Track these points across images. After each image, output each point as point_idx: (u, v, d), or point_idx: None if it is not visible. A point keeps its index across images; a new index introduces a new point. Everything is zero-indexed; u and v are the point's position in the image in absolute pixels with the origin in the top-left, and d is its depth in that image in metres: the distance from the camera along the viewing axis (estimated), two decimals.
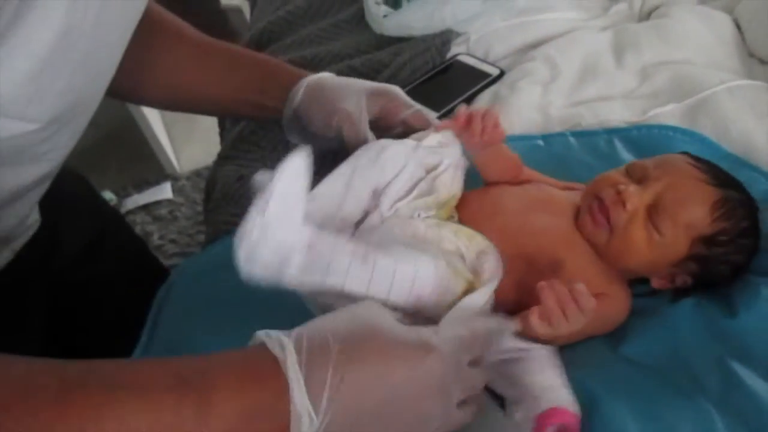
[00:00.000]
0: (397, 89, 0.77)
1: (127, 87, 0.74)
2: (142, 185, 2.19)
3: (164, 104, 0.82)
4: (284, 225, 0.51)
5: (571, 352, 0.69)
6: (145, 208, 2.12)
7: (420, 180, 0.69)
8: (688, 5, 1.08)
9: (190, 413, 0.42)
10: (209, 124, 2.35)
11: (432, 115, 1.01)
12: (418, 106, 0.75)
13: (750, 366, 0.63)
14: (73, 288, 0.86)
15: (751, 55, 1.00)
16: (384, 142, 0.69)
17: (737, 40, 1.01)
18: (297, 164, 0.51)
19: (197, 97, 0.81)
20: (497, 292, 0.64)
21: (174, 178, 2.22)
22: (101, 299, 0.90)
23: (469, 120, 0.72)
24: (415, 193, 0.69)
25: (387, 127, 0.74)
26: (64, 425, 0.39)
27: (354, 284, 0.55)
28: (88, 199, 0.95)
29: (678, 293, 0.72)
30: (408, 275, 0.57)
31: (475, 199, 0.75)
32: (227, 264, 0.61)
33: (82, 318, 0.88)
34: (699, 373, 0.64)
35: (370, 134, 0.75)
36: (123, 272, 0.93)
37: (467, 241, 0.66)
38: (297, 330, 0.47)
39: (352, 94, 0.73)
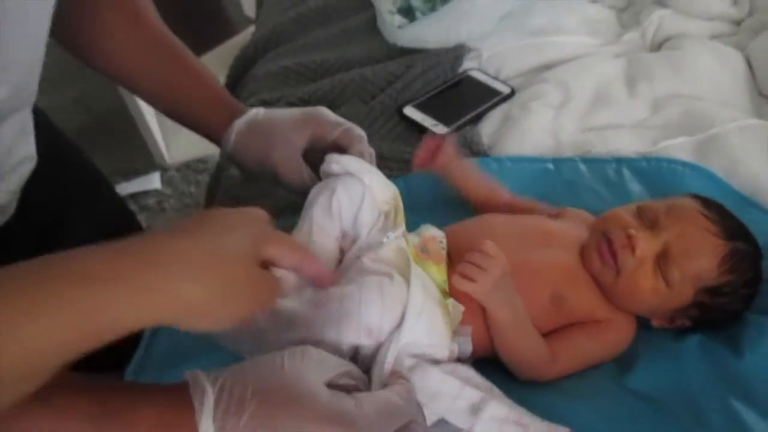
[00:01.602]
0: (322, 110, 0.74)
1: (75, 46, 0.72)
2: (130, 174, 2.15)
3: (111, 77, 0.76)
4: None
5: (575, 382, 0.69)
6: (133, 197, 2.09)
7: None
8: (700, 39, 1.10)
9: None
10: None
11: (442, 130, 1.01)
12: (347, 123, 0.73)
13: (753, 407, 0.64)
14: None
15: (761, 94, 1.02)
16: (331, 185, 0.68)
17: (748, 78, 1.03)
18: None
19: (135, 86, 0.77)
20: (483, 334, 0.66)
21: (163, 168, 2.19)
22: None
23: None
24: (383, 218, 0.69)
25: (321, 153, 0.72)
26: None
27: (311, 332, 0.56)
28: (105, 201, 0.91)
29: (683, 330, 0.72)
30: (353, 307, 0.57)
31: (466, 232, 0.74)
32: None
33: None
34: (703, 411, 0.65)
35: (306, 170, 0.73)
36: None
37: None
38: (223, 377, 0.47)
39: (279, 134, 0.71)
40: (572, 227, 0.76)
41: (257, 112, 0.75)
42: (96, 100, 2.25)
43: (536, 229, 0.74)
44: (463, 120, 1.03)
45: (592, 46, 1.14)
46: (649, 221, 0.70)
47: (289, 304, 0.59)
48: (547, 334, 0.69)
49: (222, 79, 1.33)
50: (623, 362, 0.71)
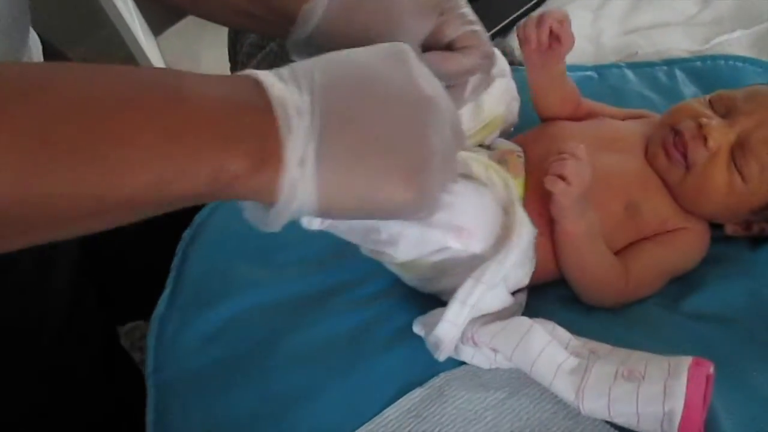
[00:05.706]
0: None
1: None
2: None
3: None
4: None
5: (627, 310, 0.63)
6: None
7: None
8: None
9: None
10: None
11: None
12: (478, 25, 0.53)
13: None
14: None
15: None
16: None
17: None
18: None
19: None
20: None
21: None
22: None
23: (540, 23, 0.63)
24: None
25: (434, 44, 0.53)
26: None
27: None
28: None
29: (758, 239, 0.65)
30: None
31: (533, 140, 0.68)
32: None
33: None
34: None
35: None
36: None
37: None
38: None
39: (395, 18, 0.50)
40: (639, 126, 0.68)
41: None
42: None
43: (604, 133, 0.67)
44: (490, 32, 0.95)
45: None
46: (723, 109, 0.63)
47: None
48: (617, 252, 0.63)
49: None
50: (689, 283, 0.64)
